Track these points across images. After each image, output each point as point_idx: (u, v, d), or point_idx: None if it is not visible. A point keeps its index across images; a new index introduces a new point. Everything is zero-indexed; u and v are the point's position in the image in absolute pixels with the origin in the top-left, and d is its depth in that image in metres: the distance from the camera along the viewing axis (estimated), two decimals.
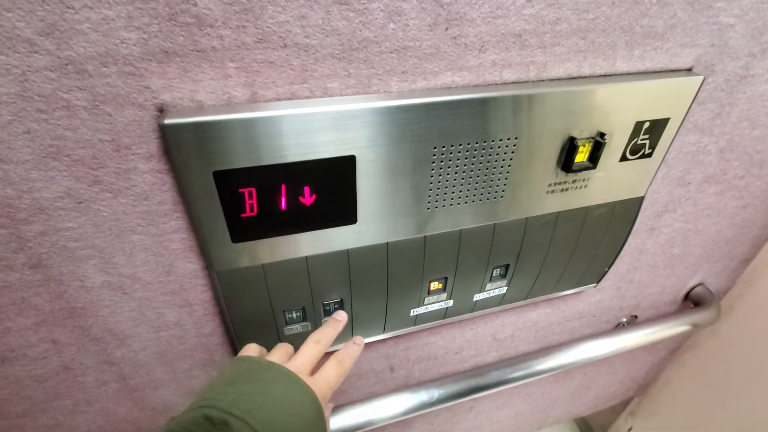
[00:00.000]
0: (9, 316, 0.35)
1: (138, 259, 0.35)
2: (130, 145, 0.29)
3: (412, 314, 0.47)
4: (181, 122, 0.27)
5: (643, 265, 0.61)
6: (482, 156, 0.36)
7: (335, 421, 0.53)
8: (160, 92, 0.28)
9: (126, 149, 0.29)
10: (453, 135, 0.34)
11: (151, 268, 0.36)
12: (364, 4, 0.28)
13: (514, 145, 0.37)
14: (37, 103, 0.26)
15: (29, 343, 0.37)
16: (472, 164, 0.36)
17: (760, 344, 0.74)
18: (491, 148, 0.36)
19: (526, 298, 0.53)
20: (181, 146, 0.28)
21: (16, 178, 0.28)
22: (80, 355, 0.40)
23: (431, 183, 0.36)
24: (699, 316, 0.68)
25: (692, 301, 0.72)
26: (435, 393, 0.55)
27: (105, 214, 0.32)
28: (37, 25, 0.24)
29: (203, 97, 0.29)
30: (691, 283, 0.70)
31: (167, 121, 0.27)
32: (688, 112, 0.41)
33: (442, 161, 0.35)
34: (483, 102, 0.34)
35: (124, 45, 0.25)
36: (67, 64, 0.25)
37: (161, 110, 0.28)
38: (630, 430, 1.06)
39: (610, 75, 0.38)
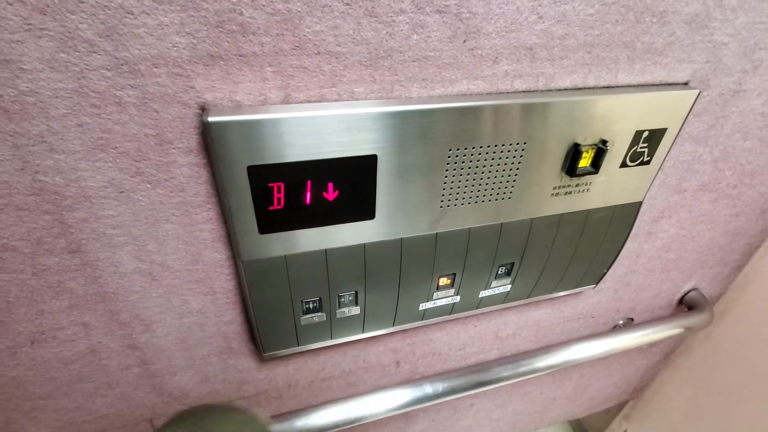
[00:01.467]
0: (44, 299, 0.37)
1: (169, 248, 0.37)
2: (173, 139, 0.32)
3: (420, 308, 0.49)
4: (223, 120, 0.30)
5: (640, 269, 0.64)
6: (493, 159, 0.39)
7: (342, 412, 0.56)
8: (204, 92, 0.30)
9: (168, 143, 0.32)
10: (467, 138, 0.37)
11: (180, 257, 0.38)
12: (391, 16, 0.31)
13: (523, 150, 0.39)
14: (91, 99, 0.29)
15: (60, 325, 0.40)
16: (483, 166, 0.39)
17: (752, 349, 0.76)
18: (501, 151, 0.39)
19: (528, 297, 0.55)
20: (221, 142, 0.31)
21: (66, 167, 0.31)
22: (107, 339, 0.42)
23: (445, 183, 0.39)
24: (692, 319, 0.71)
25: (686, 305, 0.75)
26: (439, 386, 0.58)
27: (143, 204, 0.34)
28: (98, 27, 0.26)
29: (241, 97, 0.31)
30: (686, 288, 0.73)
31: (211, 119, 0.29)
32: (684, 123, 0.44)
33: (456, 162, 0.38)
34: (496, 109, 0.36)
35: (175, 48, 0.28)
36: (122, 64, 0.28)
37: (203, 108, 0.31)
38: None
39: (612, 87, 0.41)
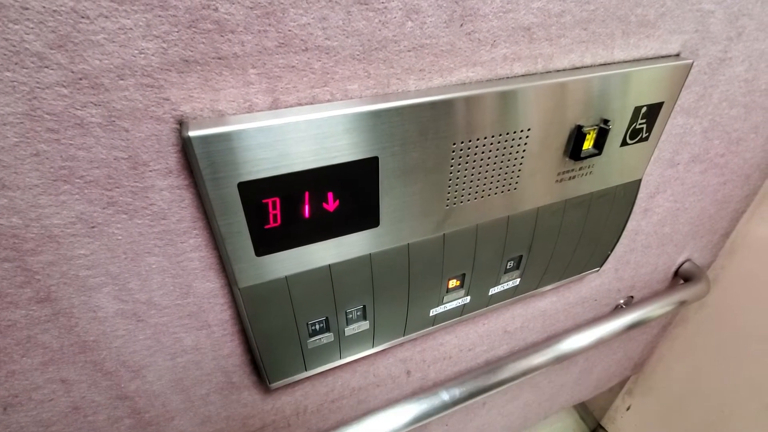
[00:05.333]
0: (13, 358, 0.32)
1: (154, 283, 0.33)
2: (148, 161, 0.28)
3: (431, 314, 0.47)
4: (205, 133, 0.26)
5: (638, 246, 0.64)
6: (498, 149, 0.37)
7: None
8: (180, 104, 0.26)
9: (143, 166, 0.28)
10: (470, 130, 0.34)
11: (167, 291, 0.34)
12: (383, 3, 0.28)
13: (527, 137, 0.37)
14: (47, 123, 0.24)
15: (35, 385, 0.35)
16: (489, 158, 0.37)
17: (744, 312, 0.78)
18: (506, 140, 0.37)
19: (536, 288, 0.54)
20: (205, 159, 0.27)
21: (24, 205, 0.26)
22: (91, 393, 0.37)
23: (450, 180, 0.36)
24: (691, 290, 0.71)
25: (681, 277, 0.75)
26: (456, 392, 0.55)
27: (120, 238, 0.30)
28: (48, 37, 0.22)
29: (224, 106, 0.28)
30: (680, 260, 0.74)
31: (191, 134, 0.26)
32: (679, 95, 0.44)
33: (460, 157, 0.35)
34: (497, 96, 0.34)
35: (143, 55, 0.24)
36: (81, 79, 0.24)
37: (180, 123, 0.27)
38: (629, 408, 1.09)
39: (609, 64, 0.39)
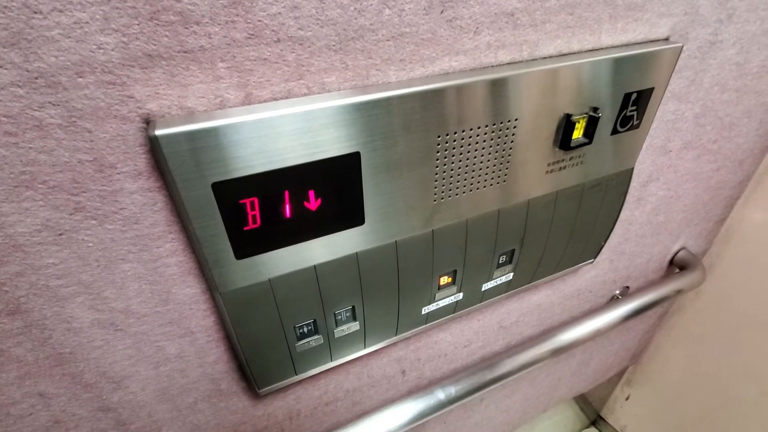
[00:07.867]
0: None
1: (131, 291, 0.32)
2: (115, 163, 0.26)
3: (423, 312, 0.46)
4: (174, 132, 0.25)
5: (632, 236, 0.63)
6: (484, 141, 0.36)
7: None
8: (146, 101, 0.25)
9: (110, 168, 0.26)
10: (455, 121, 0.33)
11: (146, 299, 0.33)
12: None
13: (515, 127, 0.36)
14: (3, 126, 0.23)
15: (12, 400, 0.33)
16: (476, 150, 0.36)
17: (741, 299, 0.77)
18: (492, 131, 0.35)
19: (530, 282, 0.53)
20: (175, 159, 0.26)
21: None
22: (72, 406, 0.36)
23: (436, 174, 0.35)
24: (686, 279, 0.71)
25: (677, 265, 0.75)
26: (453, 390, 0.54)
27: (91, 245, 0.29)
28: (0, 35, 0.21)
29: (193, 102, 0.26)
30: (675, 248, 0.73)
31: (158, 132, 0.24)
32: (669, 80, 0.43)
33: (446, 149, 0.34)
34: (482, 85, 0.33)
35: (102, 51, 0.23)
36: (36, 78, 0.22)
37: (147, 121, 0.26)
38: (628, 398, 1.09)
39: (597, 49, 0.38)
